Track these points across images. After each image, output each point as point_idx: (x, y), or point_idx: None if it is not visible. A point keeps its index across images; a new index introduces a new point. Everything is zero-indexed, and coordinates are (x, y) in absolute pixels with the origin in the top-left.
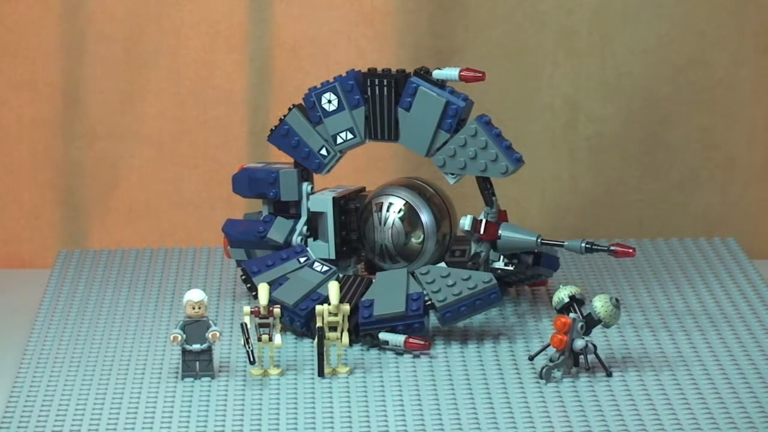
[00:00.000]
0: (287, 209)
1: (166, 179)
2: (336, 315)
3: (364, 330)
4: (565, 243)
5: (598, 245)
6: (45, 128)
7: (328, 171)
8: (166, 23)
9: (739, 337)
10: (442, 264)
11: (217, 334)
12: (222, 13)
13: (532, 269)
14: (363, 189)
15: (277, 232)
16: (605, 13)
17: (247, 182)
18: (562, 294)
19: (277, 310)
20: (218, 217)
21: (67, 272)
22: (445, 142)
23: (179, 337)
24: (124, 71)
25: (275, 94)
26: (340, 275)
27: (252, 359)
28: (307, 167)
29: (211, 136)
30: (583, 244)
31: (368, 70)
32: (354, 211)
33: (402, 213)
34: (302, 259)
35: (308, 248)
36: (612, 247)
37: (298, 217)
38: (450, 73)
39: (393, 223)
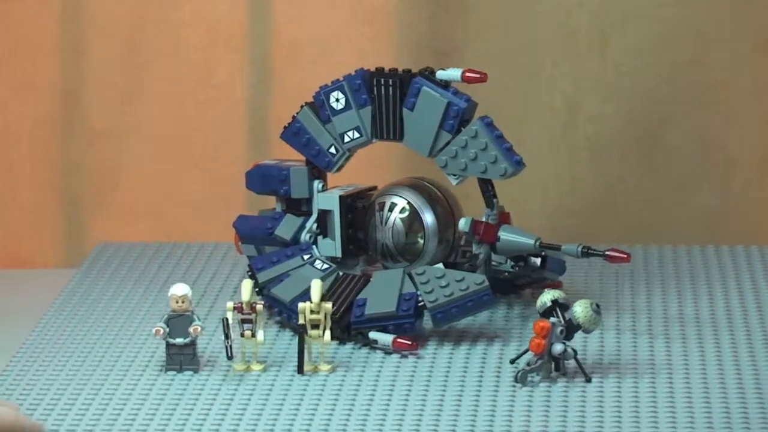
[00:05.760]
0: (299, 206)
1: (166, 179)
2: (318, 313)
3: (355, 328)
4: (562, 247)
5: (594, 249)
6: (45, 128)
7: (338, 169)
8: (166, 23)
9: (738, 340)
10: (439, 265)
11: (199, 328)
12: (222, 13)
13: (537, 272)
14: (373, 188)
15: (284, 229)
16: (605, 13)
17: (260, 179)
18: (545, 298)
19: (259, 307)
20: (218, 216)
21: (96, 268)
22: (447, 143)
23: (162, 330)
24: (124, 71)
25: (275, 94)
26: (340, 273)
27: (229, 354)
28: (318, 165)
29: (211, 136)
30: (579, 249)
31: (375, 70)
32: (361, 209)
33: (403, 213)
34: (306, 257)
35: (317, 246)
36: (607, 252)
37: (309, 214)
38: (453, 73)
39: (394, 223)
